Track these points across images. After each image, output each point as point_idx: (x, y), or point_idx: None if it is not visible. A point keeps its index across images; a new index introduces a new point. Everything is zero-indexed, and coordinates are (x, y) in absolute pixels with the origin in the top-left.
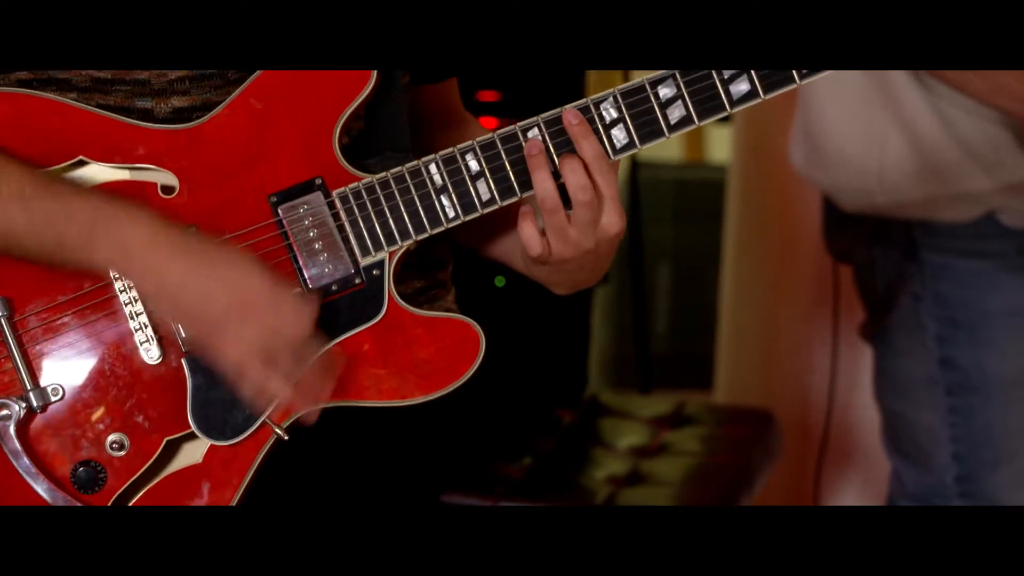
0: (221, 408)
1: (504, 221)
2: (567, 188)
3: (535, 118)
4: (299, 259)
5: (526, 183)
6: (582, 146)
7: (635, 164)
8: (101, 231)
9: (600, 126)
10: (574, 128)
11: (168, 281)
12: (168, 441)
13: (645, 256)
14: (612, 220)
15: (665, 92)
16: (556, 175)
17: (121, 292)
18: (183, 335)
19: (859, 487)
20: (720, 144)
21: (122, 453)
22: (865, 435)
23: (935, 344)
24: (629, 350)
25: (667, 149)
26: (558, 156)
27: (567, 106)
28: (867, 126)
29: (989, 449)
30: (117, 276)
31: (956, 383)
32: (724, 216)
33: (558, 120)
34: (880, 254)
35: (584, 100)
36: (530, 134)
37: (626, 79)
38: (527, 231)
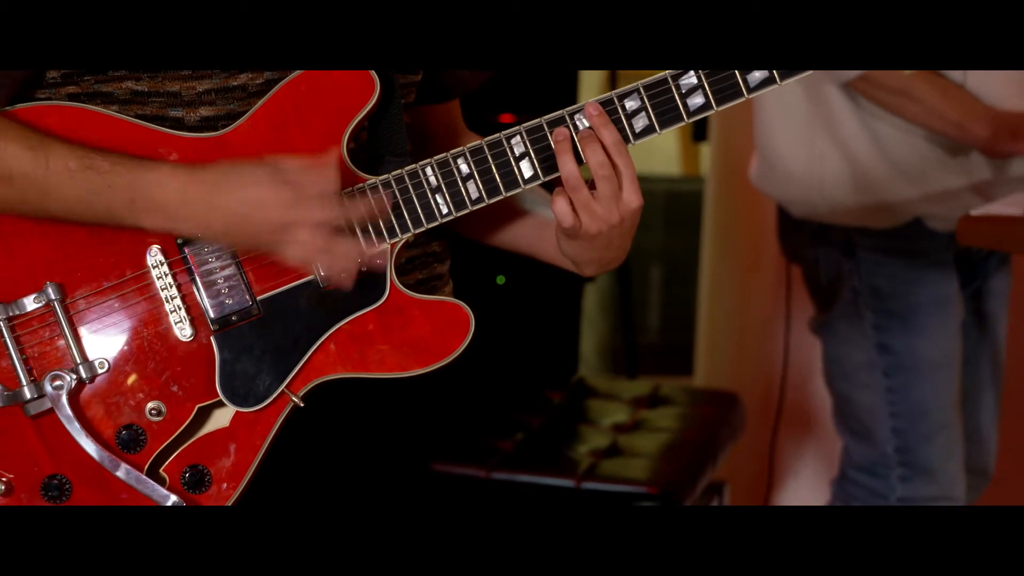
0: (245, 380)
1: (534, 221)
2: (589, 166)
3: (518, 127)
4: None
5: (511, 183)
6: (602, 133)
7: None
8: (140, 199)
9: (622, 115)
10: (595, 119)
11: (211, 225)
12: (199, 408)
13: (640, 258)
14: (631, 196)
15: (631, 104)
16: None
17: (158, 278)
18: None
19: (813, 461)
20: (707, 160)
21: (159, 418)
22: (819, 415)
23: (873, 332)
24: (620, 341)
25: (665, 164)
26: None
27: (545, 118)
28: (809, 146)
29: (923, 423)
30: (158, 257)
31: (892, 366)
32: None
33: (538, 128)
34: (822, 254)
35: (608, 94)
36: (513, 140)
37: (614, 84)
38: (559, 205)
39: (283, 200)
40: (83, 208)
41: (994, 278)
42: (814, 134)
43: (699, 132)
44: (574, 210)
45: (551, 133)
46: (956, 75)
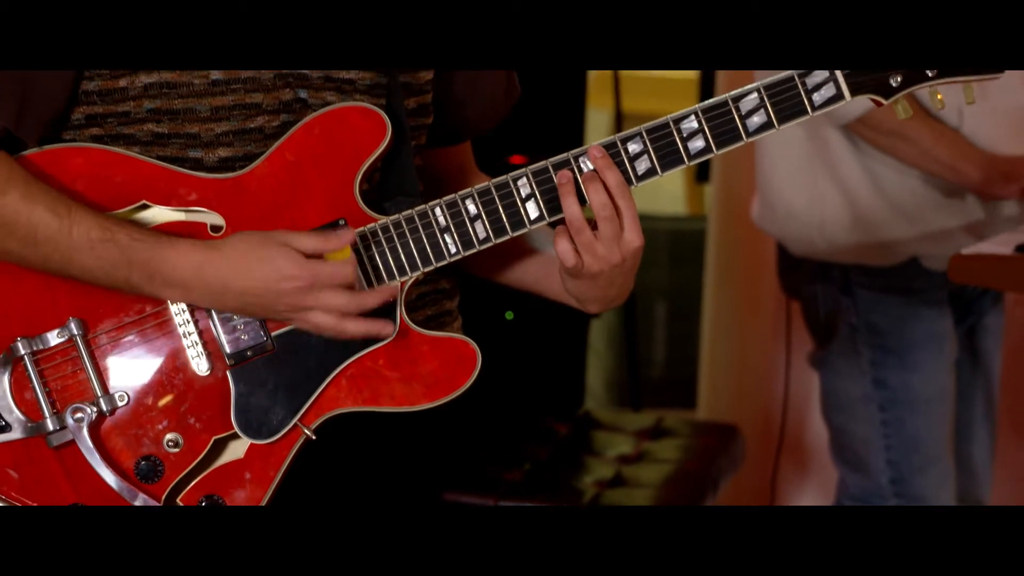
0: (260, 413)
1: (540, 259)
2: (592, 207)
3: (523, 169)
4: None
5: (517, 224)
6: (606, 175)
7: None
8: (158, 275)
9: (625, 158)
10: (599, 161)
11: (226, 303)
12: (215, 440)
13: (645, 294)
14: (633, 236)
15: (634, 147)
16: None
17: (176, 315)
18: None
19: (812, 490)
20: (710, 200)
21: (177, 450)
22: (817, 447)
23: (869, 367)
24: (625, 375)
25: (670, 203)
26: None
27: (549, 161)
28: (809, 186)
29: (917, 455)
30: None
31: (888, 400)
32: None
33: (544, 171)
34: (821, 291)
35: (612, 137)
36: (520, 182)
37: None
38: (562, 246)
39: (298, 287)
40: (104, 277)
41: (988, 316)
42: (814, 175)
43: (702, 173)
44: (577, 250)
45: (556, 175)
46: (952, 118)
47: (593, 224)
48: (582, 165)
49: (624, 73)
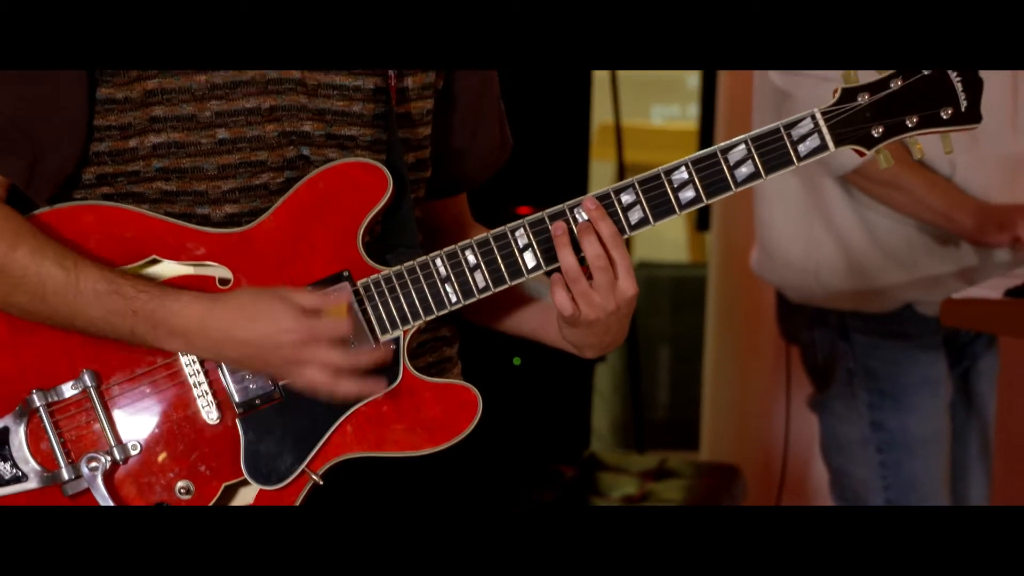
0: (268, 459)
1: (538, 307)
2: (586, 258)
3: (520, 221)
4: None
5: (515, 273)
6: (600, 226)
7: (634, 265)
8: (161, 325)
9: (619, 208)
10: (592, 212)
11: (227, 354)
12: (226, 486)
13: (649, 339)
14: (627, 284)
15: (627, 198)
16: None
17: (186, 365)
18: (241, 393)
19: None
20: (711, 248)
21: (188, 496)
22: (818, 488)
23: (867, 410)
24: (630, 417)
25: (673, 252)
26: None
27: (546, 212)
28: (806, 235)
29: (915, 495)
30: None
31: (885, 442)
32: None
33: (540, 222)
34: (819, 336)
35: (605, 188)
36: (517, 233)
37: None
38: (559, 296)
39: (296, 340)
40: (108, 328)
41: (982, 359)
42: (811, 223)
43: (703, 222)
44: (573, 299)
45: (552, 226)
46: (944, 167)
47: (588, 274)
48: (577, 216)
49: (626, 126)
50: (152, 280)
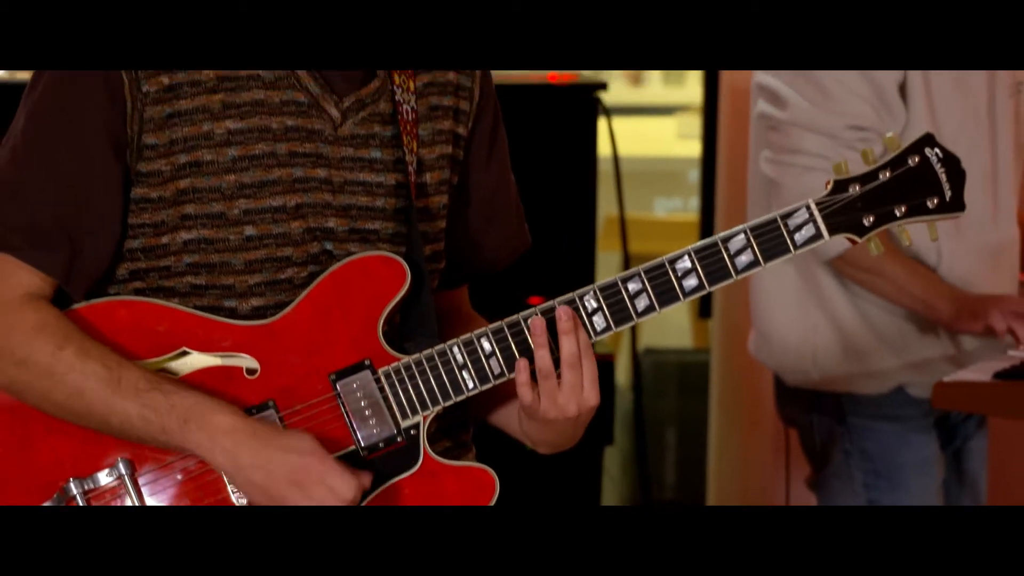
0: None
1: (503, 398)
2: (561, 359)
3: (533, 309)
4: (353, 424)
5: (529, 359)
6: (575, 336)
7: (641, 351)
8: (194, 422)
9: (626, 296)
10: (564, 323)
11: (241, 463)
12: None
13: (656, 422)
14: (591, 394)
15: (633, 286)
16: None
17: None
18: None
19: None
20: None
21: None
22: None
23: (862, 490)
24: (639, 497)
25: (677, 338)
26: (560, 335)
27: (558, 300)
28: (802, 321)
29: None
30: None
31: None
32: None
33: (549, 310)
34: (816, 419)
35: (612, 278)
36: (531, 319)
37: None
38: (522, 385)
39: (314, 472)
40: (142, 424)
41: (973, 439)
42: (806, 310)
43: (705, 310)
44: (538, 394)
45: (531, 322)
46: (932, 256)
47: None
48: (587, 303)
49: (630, 217)
50: (192, 387)
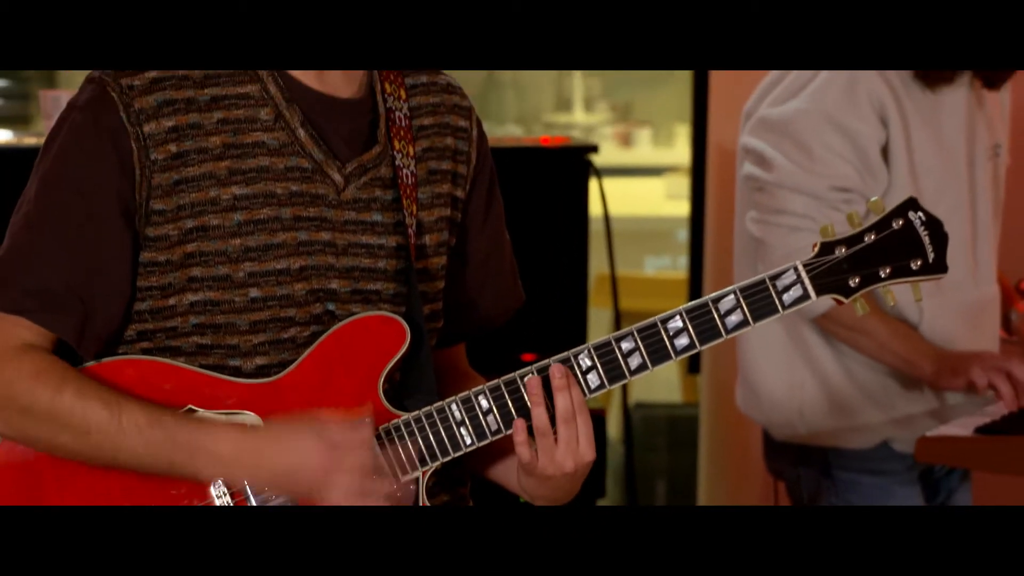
0: None
1: (500, 454)
2: (555, 417)
3: (529, 368)
4: None
5: (525, 416)
6: (569, 393)
7: (631, 406)
8: (200, 452)
9: (619, 355)
10: (558, 380)
11: (260, 478)
12: None
13: (646, 475)
14: (587, 450)
15: (626, 345)
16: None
17: (217, 498)
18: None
19: None
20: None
21: None
22: None
23: None
24: None
25: (667, 392)
26: (555, 392)
27: (553, 358)
28: (790, 376)
29: None
30: (221, 488)
31: None
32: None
33: (544, 368)
34: (803, 473)
35: (565, 353)
36: (527, 379)
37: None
38: (520, 444)
39: (323, 456)
40: (150, 460)
41: (957, 492)
42: (793, 366)
43: (694, 365)
44: (535, 450)
45: (526, 381)
46: (914, 314)
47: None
48: (581, 362)
49: (621, 275)
50: (190, 414)
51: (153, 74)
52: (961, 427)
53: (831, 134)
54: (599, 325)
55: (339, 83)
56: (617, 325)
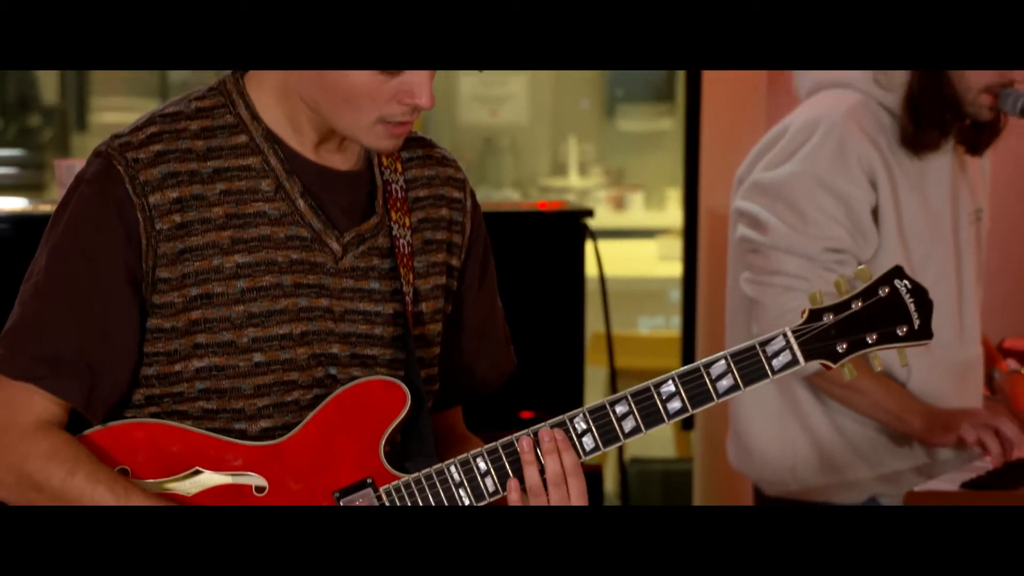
0: None
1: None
2: (546, 479)
3: (528, 430)
4: None
5: (522, 478)
6: (558, 457)
7: (627, 461)
8: None
9: (613, 418)
10: (546, 444)
11: None
12: None
13: None
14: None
15: (621, 409)
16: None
17: None
18: None
19: None
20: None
21: None
22: None
23: None
24: None
25: (661, 448)
26: (543, 456)
27: (549, 422)
28: (781, 434)
29: None
30: None
31: None
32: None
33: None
34: None
35: (561, 417)
36: (520, 439)
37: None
38: (514, 503)
39: None
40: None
41: None
42: (785, 424)
43: (687, 422)
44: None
45: (518, 443)
46: (901, 373)
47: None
48: (577, 425)
49: (616, 335)
50: (192, 506)
51: (158, 147)
52: (947, 482)
53: (823, 197)
54: (595, 382)
55: (337, 156)
56: (613, 382)
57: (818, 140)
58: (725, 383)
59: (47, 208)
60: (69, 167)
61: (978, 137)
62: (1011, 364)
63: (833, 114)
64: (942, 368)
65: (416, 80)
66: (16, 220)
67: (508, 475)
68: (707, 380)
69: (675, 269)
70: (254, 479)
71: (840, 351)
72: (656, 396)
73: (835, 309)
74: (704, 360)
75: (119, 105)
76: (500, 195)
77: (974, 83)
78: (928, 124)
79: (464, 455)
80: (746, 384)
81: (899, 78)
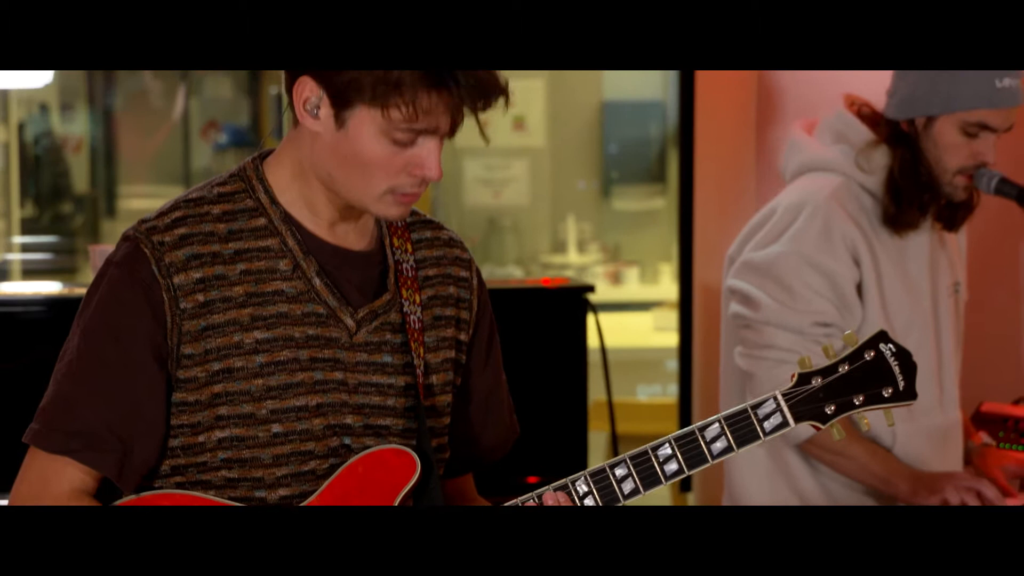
0: None
1: None
2: None
3: (532, 493)
4: None
5: None
6: None
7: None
8: None
9: (613, 480)
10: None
11: None
12: None
13: None
14: None
15: (620, 471)
16: None
17: None
18: None
19: None
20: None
21: None
22: None
23: None
24: None
25: (658, 497)
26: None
27: (552, 485)
28: (772, 495)
29: None
30: None
31: None
32: None
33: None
34: None
35: (563, 480)
36: (525, 504)
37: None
38: None
39: None
40: None
41: None
42: (775, 486)
43: (684, 483)
44: None
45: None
46: (887, 438)
47: None
48: (578, 488)
49: (617, 402)
50: None
51: (182, 230)
52: None
53: (810, 274)
54: (597, 447)
55: (352, 236)
56: (614, 446)
57: (804, 221)
58: (719, 445)
59: (80, 291)
60: (102, 251)
61: (954, 215)
62: (984, 438)
63: (818, 197)
64: (923, 433)
65: (425, 153)
66: (51, 303)
67: None
68: (702, 442)
69: (670, 339)
70: None
71: (828, 412)
72: (654, 459)
73: (823, 372)
74: (699, 423)
75: (145, 192)
76: (504, 271)
77: (950, 165)
78: (908, 205)
79: None
80: (739, 446)
81: (879, 161)
